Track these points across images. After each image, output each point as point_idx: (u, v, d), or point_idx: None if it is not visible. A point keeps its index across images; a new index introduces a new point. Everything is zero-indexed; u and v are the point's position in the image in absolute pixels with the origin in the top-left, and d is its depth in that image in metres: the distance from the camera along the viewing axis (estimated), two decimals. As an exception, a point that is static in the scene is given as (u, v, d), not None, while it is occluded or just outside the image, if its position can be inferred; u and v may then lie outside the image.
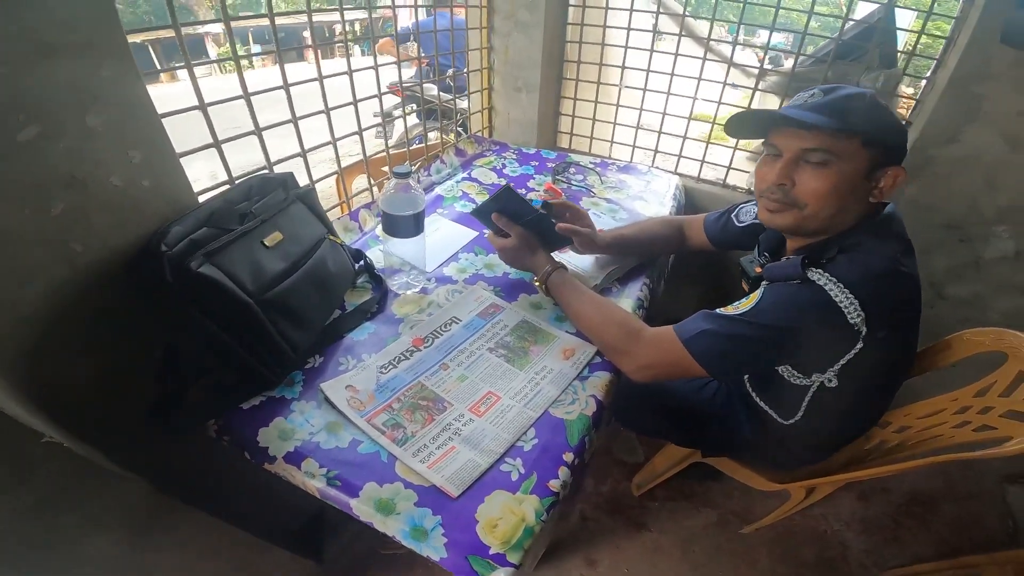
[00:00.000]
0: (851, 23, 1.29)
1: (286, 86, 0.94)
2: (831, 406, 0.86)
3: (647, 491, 1.49)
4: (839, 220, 0.79)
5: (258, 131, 0.91)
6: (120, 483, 0.68)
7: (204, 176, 0.80)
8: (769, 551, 1.40)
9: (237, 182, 0.87)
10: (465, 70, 1.74)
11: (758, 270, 0.92)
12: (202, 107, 0.80)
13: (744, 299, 0.81)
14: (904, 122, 1.36)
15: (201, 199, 0.82)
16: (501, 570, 0.62)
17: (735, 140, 1.53)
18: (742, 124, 0.85)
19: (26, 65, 0.56)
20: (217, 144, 0.85)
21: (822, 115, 0.74)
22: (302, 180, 0.98)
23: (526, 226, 1.01)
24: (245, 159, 0.95)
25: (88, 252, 0.67)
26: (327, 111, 1.05)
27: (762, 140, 0.85)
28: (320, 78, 1.02)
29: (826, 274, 0.73)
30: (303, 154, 1.04)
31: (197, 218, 0.72)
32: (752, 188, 1.60)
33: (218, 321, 0.72)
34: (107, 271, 0.70)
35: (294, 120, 0.99)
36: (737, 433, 1.07)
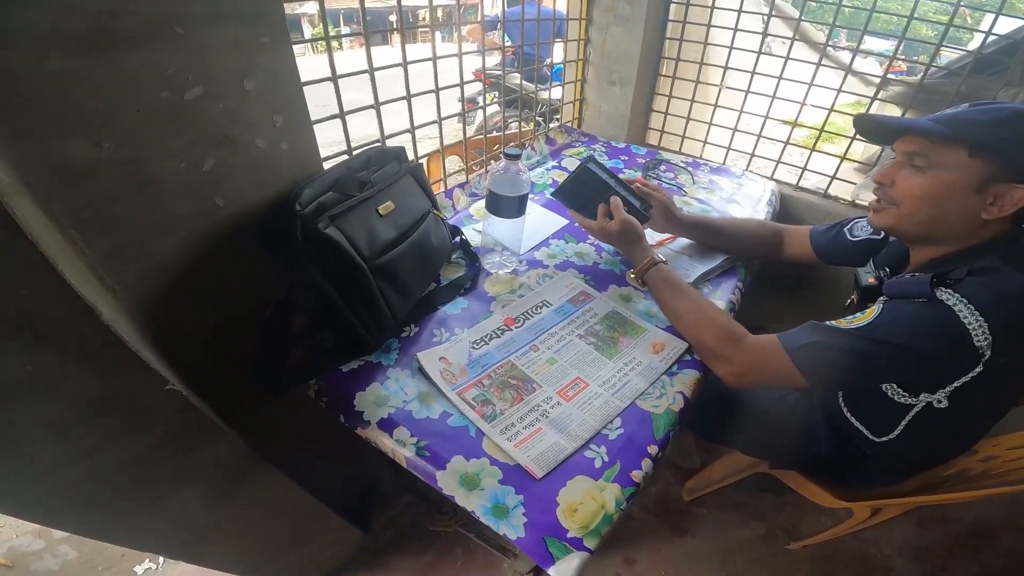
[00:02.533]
0: (993, 37, 1.19)
1: (405, 64, 0.97)
2: (932, 428, 0.83)
3: (697, 497, 1.47)
4: (941, 228, 0.78)
5: (377, 105, 0.95)
6: (218, 439, 0.70)
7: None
8: (811, 569, 1.36)
9: (356, 152, 0.91)
10: (549, 60, 1.72)
11: (872, 281, 0.89)
12: (333, 78, 0.85)
13: (859, 313, 0.78)
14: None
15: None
16: (576, 554, 0.63)
17: (842, 149, 1.46)
18: (867, 128, 0.86)
19: (199, 26, 0.61)
20: (342, 114, 0.90)
21: (934, 123, 0.74)
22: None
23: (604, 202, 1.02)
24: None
25: (229, 207, 0.72)
26: (437, 91, 1.09)
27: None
28: (434, 58, 1.05)
29: (956, 294, 0.70)
30: (412, 130, 1.07)
31: (324, 182, 0.76)
32: (856, 200, 1.52)
33: (333, 281, 0.76)
34: (241, 226, 0.75)
35: (408, 97, 1.02)
36: (814, 448, 1.04)
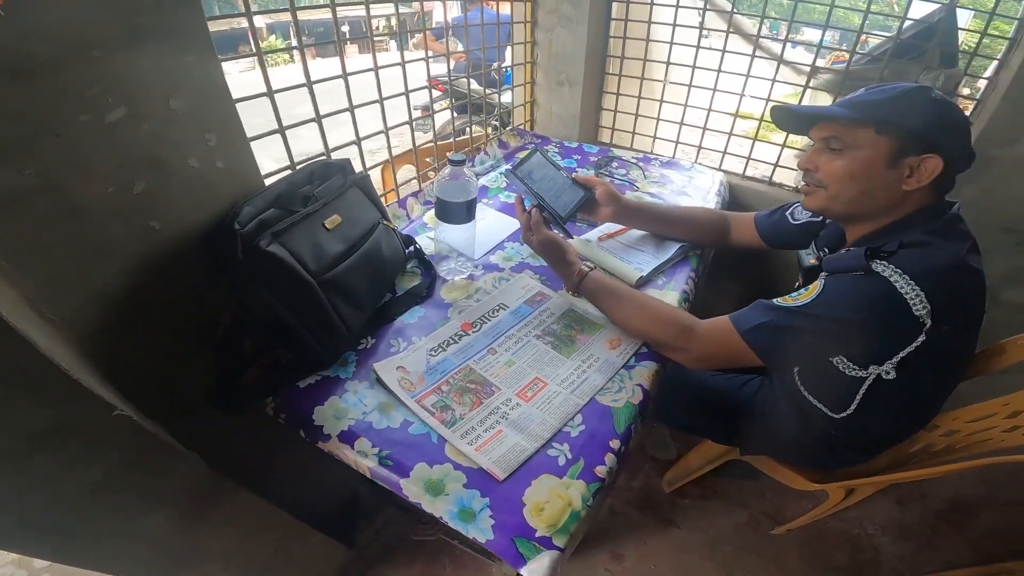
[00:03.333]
0: (910, 22, 1.25)
1: (345, 75, 0.97)
2: (885, 400, 0.85)
3: (678, 488, 1.49)
4: (868, 204, 0.82)
5: (319, 118, 0.94)
6: (179, 461, 0.69)
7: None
8: (799, 553, 1.38)
9: (299, 167, 0.90)
10: (497, 64, 1.73)
11: (813, 261, 0.93)
12: (269, 93, 0.84)
13: (803, 290, 0.81)
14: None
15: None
16: (546, 553, 0.63)
17: (783, 138, 1.51)
18: (782, 119, 0.92)
19: (117, 48, 0.59)
20: (282, 130, 0.88)
21: (840, 108, 0.80)
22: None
23: (554, 195, 1.04)
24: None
25: (165, 229, 0.70)
26: (381, 100, 1.08)
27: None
28: (376, 68, 1.04)
29: (891, 266, 0.73)
30: (358, 142, 1.07)
31: (265, 199, 0.75)
32: (799, 186, 1.58)
33: (281, 299, 0.75)
34: (181, 249, 0.73)
35: (351, 109, 1.02)
36: (779, 431, 1.06)
